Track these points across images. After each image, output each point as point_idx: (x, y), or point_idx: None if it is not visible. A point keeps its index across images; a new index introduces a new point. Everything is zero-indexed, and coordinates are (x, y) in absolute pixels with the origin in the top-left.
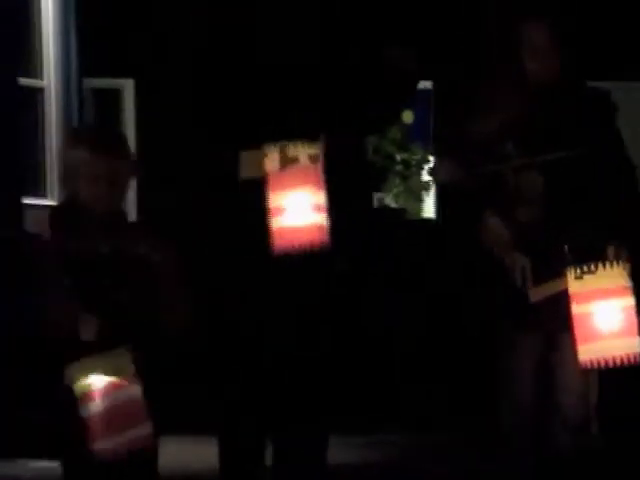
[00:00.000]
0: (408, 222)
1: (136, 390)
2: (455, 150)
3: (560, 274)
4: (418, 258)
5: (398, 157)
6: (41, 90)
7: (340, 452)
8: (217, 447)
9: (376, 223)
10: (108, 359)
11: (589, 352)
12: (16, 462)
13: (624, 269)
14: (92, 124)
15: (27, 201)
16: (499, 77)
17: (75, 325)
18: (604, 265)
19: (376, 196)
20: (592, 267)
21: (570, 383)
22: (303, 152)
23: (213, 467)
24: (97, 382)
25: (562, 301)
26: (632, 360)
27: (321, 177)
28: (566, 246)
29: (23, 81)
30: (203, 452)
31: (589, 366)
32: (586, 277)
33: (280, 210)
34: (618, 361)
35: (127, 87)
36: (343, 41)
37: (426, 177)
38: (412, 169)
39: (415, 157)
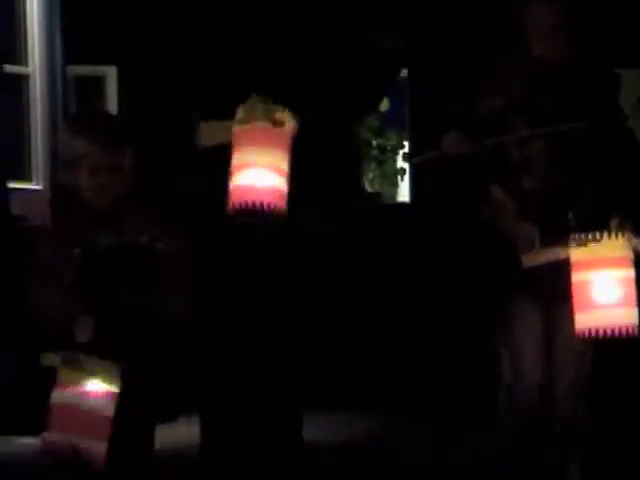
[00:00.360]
0: (385, 205)
1: (109, 407)
2: (462, 123)
3: (560, 242)
4: (396, 240)
5: (374, 143)
6: (26, 77)
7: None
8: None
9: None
10: (97, 367)
11: (586, 321)
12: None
13: (628, 240)
14: (91, 110)
15: (12, 185)
16: (501, 59)
17: (71, 325)
18: (608, 235)
19: None
20: (596, 235)
21: (568, 351)
22: (269, 114)
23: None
24: (75, 379)
25: (564, 271)
26: (629, 331)
27: (287, 143)
28: (570, 214)
29: (8, 68)
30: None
31: (586, 335)
32: (589, 245)
33: (239, 167)
34: (616, 331)
35: (110, 74)
36: (328, 30)
37: (400, 163)
38: (387, 154)
39: (390, 143)
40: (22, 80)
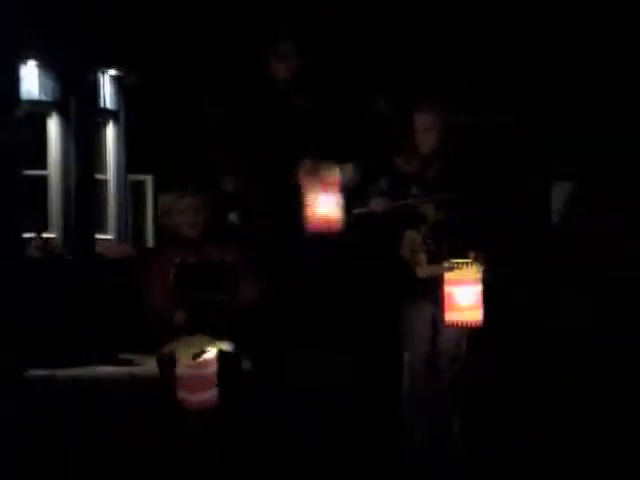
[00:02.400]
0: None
1: (211, 366)
2: (385, 193)
3: (439, 264)
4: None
5: None
6: (106, 181)
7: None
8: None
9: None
10: (194, 340)
11: (451, 316)
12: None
13: (479, 267)
14: (184, 188)
15: (96, 236)
16: (407, 150)
17: (171, 314)
18: (466, 264)
19: None
20: (459, 264)
21: (449, 333)
22: (329, 171)
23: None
24: (186, 354)
25: (440, 283)
26: (477, 324)
27: (336, 186)
28: (445, 248)
29: (97, 175)
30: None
31: (452, 325)
32: (455, 270)
33: (311, 204)
34: (469, 323)
35: (148, 180)
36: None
37: None
38: None
39: None
40: (103, 183)
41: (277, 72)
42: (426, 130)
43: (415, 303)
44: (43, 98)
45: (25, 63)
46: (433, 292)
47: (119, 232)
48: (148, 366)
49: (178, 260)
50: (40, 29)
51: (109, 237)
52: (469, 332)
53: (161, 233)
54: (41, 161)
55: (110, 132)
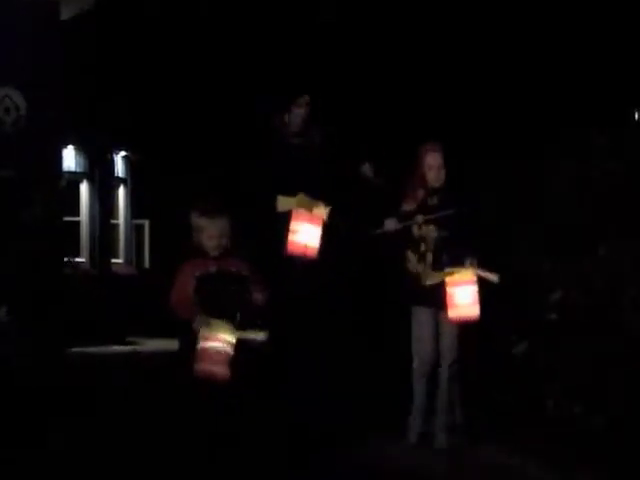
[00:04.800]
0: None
1: (229, 347)
2: (395, 217)
3: (442, 271)
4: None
5: None
6: (118, 224)
7: None
8: None
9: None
10: (220, 322)
11: (453, 313)
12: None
13: (474, 271)
14: (206, 201)
15: (111, 260)
16: (415, 181)
17: (193, 317)
18: (464, 269)
19: None
20: (458, 269)
21: (449, 338)
22: (315, 207)
23: None
24: (208, 332)
25: (443, 288)
26: (475, 319)
27: (320, 221)
28: (444, 257)
29: (113, 221)
30: None
31: (455, 321)
32: (455, 274)
33: (294, 231)
34: (467, 319)
35: (145, 225)
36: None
37: None
38: None
39: None
40: (116, 227)
41: (295, 120)
42: (438, 167)
43: (420, 311)
44: (78, 170)
45: (66, 147)
46: (435, 297)
47: (126, 258)
48: (147, 346)
49: (198, 273)
50: (76, 124)
51: (120, 261)
52: (466, 330)
53: (185, 246)
54: (76, 211)
55: (121, 192)
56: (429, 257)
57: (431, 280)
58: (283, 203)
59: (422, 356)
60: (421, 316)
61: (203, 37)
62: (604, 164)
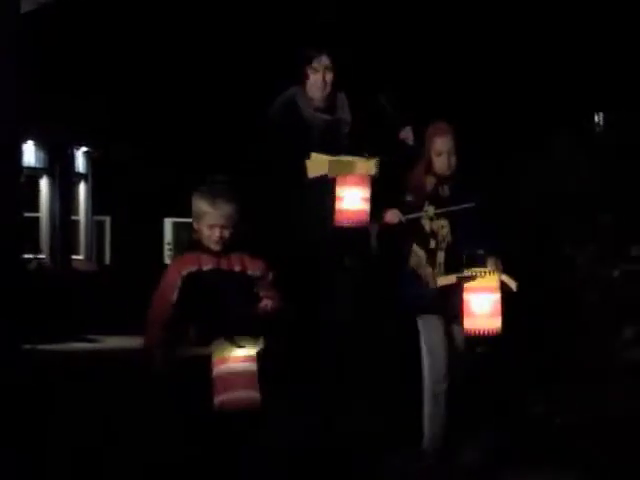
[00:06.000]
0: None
1: (252, 366)
2: (396, 206)
3: (453, 273)
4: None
5: None
6: (79, 221)
7: None
8: None
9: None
10: (224, 344)
11: (470, 324)
12: None
13: (498, 275)
14: (213, 178)
15: (72, 257)
16: (420, 168)
17: (155, 345)
18: (488, 272)
19: None
20: (480, 272)
21: (460, 348)
22: (360, 166)
23: None
24: (224, 354)
25: (456, 292)
26: (495, 332)
27: (368, 180)
28: (464, 256)
29: (74, 217)
30: None
31: (470, 333)
32: (476, 278)
33: (340, 198)
34: (485, 332)
35: (107, 221)
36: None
37: None
38: None
39: None
40: (77, 224)
41: (315, 84)
42: (448, 153)
43: (432, 319)
44: (37, 166)
45: (26, 142)
46: (447, 304)
47: (87, 254)
48: (107, 343)
49: (186, 272)
50: (36, 120)
51: (80, 257)
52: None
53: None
54: (35, 207)
55: (82, 188)
56: (440, 256)
57: (442, 281)
58: (315, 166)
59: (438, 370)
60: (431, 324)
61: (169, 29)
62: None
